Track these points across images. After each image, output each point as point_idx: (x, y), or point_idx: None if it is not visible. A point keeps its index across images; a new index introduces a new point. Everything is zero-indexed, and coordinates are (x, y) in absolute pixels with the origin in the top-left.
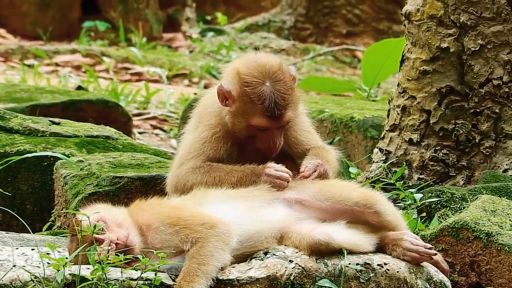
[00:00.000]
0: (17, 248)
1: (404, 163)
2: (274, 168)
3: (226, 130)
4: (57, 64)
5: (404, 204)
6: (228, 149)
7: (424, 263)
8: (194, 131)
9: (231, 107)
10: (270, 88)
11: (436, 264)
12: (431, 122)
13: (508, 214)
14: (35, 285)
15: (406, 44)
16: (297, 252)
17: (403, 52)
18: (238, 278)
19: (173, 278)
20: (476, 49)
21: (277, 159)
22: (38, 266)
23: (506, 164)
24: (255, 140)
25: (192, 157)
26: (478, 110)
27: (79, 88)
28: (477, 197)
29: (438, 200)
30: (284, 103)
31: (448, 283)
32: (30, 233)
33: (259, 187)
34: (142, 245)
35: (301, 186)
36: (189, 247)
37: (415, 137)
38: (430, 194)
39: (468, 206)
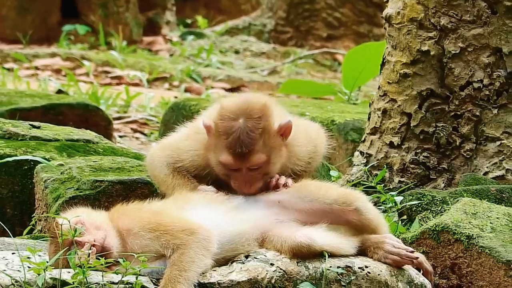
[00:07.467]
0: None
1: (385, 166)
2: (204, 190)
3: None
4: (37, 68)
5: (385, 207)
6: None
7: (405, 266)
8: (184, 138)
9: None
10: (240, 124)
11: (419, 266)
12: (411, 125)
13: (488, 216)
14: None
15: (387, 47)
16: (278, 255)
17: (383, 55)
18: (219, 281)
19: (154, 281)
20: (457, 52)
21: None
22: (18, 270)
23: (487, 167)
24: (230, 179)
25: (171, 152)
26: (458, 113)
27: (59, 91)
28: (458, 200)
29: (419, 203)
30: (249, 141)
31: (429, 286)
32: (10, 237)
33: None
34: (121, 248)
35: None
36: (170, 253)
37: (396, 140)
38: (411, 197)
39: (448, 209)
